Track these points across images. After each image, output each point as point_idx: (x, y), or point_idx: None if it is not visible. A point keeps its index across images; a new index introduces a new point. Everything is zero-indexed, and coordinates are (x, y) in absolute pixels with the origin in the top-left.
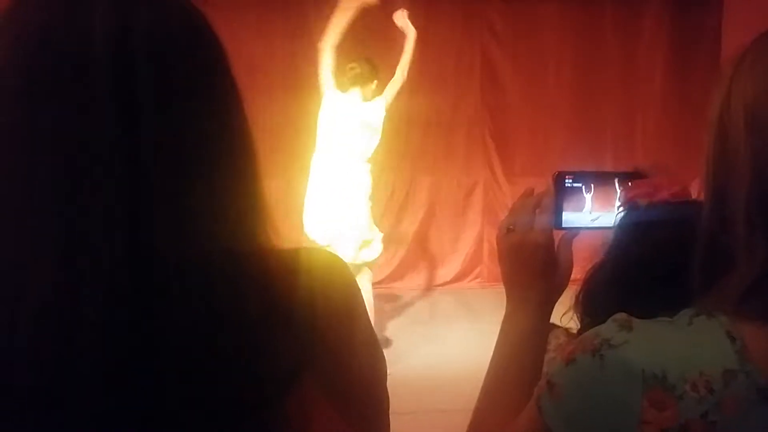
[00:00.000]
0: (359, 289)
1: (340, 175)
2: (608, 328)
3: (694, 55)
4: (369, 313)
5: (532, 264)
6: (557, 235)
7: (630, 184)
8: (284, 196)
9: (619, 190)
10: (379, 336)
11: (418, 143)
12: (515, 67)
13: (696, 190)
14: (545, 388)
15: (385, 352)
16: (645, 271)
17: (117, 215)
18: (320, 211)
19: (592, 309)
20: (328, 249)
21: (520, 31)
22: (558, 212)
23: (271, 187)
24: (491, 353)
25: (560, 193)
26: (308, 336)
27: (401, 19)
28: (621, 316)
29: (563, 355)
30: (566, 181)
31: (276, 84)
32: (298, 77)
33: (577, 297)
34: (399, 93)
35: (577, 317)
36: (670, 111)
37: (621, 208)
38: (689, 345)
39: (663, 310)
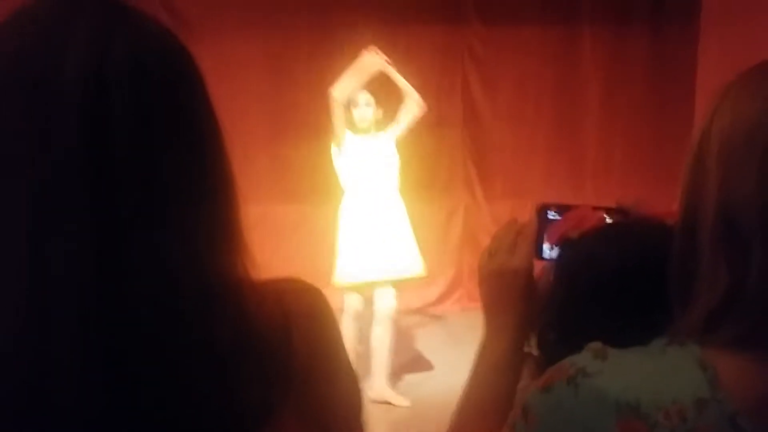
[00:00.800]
0: (336, 320)
1: (377, 212)
2: (583, 357)
3: (670, 84)
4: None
5: (511, 290)
6: (538, 264)
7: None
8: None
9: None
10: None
11: (399, 167)
12: (495, 91)
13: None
14: (520, 414)
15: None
16: (599, 300)
17: (85, 248)
18: (357, 252)
19: (547, 347)
20: (310, 282)
21: (500, 57)
22: (539, 243)
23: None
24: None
25: (542, 224)
26: (284, 368)
27: (373, 57)
28: (596, 345)
29: (539, 382)
30: (549, 212)
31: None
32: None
33: (537, 343)
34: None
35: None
36: (646, 137)
37: (554, 246)
38: (662, 374)
39: (621, 338)
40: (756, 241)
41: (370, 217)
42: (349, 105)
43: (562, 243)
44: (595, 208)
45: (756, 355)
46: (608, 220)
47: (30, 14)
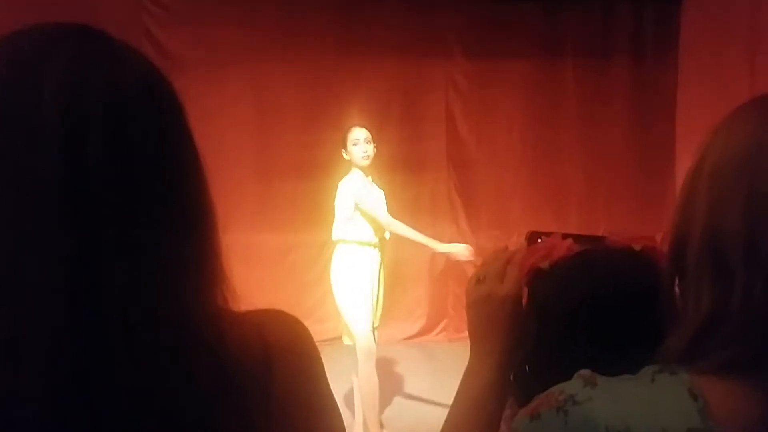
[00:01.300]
0: (318, 353)
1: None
2: (573, 385)
3: (651, 114)
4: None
5: (498, 316)
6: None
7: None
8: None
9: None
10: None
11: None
12: (479, 124)
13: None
14: None
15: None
16: (572, 330)
17: (60, 280)
18: (368, 295)
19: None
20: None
21: (483, 89)
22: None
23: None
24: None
25: (522, 259)
26: (264, 402)
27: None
28: (585, 372)
29: (527, 410)
30: (539, 240)
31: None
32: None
33: (513, 377)
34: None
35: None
36: (629, 168)
37: (525, 278)
38: (652, 403)
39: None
40: (739, 267)
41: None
42: (347, 143)
43: (533, 274)
44: (565, 236)
45: (743, 380)
46: (577, 248)
47: (9, 46)
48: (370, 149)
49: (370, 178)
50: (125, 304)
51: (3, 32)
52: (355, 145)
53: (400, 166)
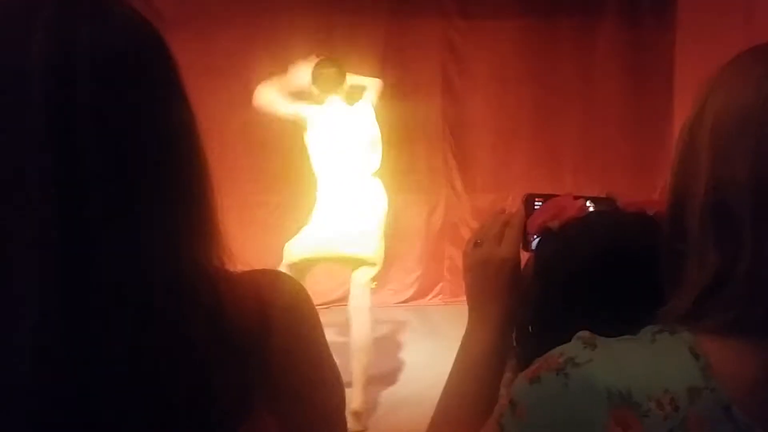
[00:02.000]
0: (316, 313)
1: (348, 196)
2: (573, 347)
3: (648, 74)
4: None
5: (496, 280)
6: (525, 256)
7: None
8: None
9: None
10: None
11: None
12: (475, 84)
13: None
14: (507, 407)
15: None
16: (576, 292)
17: (48, 244)
18: (321, 226)
19: (527, 340)
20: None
21: (479, 50)
22: (526, 233)
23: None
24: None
25: (529, 215)
26: (262, 363)
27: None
28: (585, 334)
29: (526, 373)
30: (536, 203)
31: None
32: None
33: (516, 337)
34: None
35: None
36: (626, 130)
37: (534, 237)
38: (653, 363)
39: (611, 328)
40: (747, 221)
41: (339, 202)
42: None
43: (542, 233)
44: (577, 197)
45: (748, 340)
46: (591, 209)
47: None
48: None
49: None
50: (117, 267)
51: None
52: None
53: (394, 129)
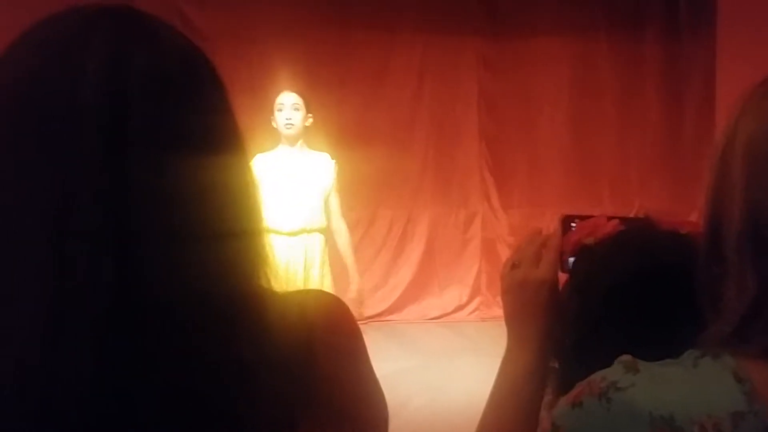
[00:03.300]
0: (360, 331)
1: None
2: (614, 371)
3: (688, 88)
4: None
5: (534, 301)
6: (563, 277)
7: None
8: None
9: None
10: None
11: (415, 177)
12: (512, 100)
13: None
14: (550, 431)
15: (382, 385)
16: (613, 308)
17: (103, 258)
18: None
19: (567, 360)
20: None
21: (516, 65)
22: (564, 254)
23: None
24: (490, 387)
25: (566, 236)
26: (307, 383)
27: None
28: (626, 358)
29: (568, 397)
30: (573, 224)
31: None
32: None
33: (552, 353)
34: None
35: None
36: (665, 144)
37: (569, 255)
38: (696, 387)
39: (652, 350)
40: None
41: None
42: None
43: (578, 251)
44: (611, 218)
45: None
46: (622, 227)
47: (51, 25)
48: (297, 117)
49: (302, 148)
50: (166, 287)
51: (38, 14)
52: (279, 111)
53: (432, 144)
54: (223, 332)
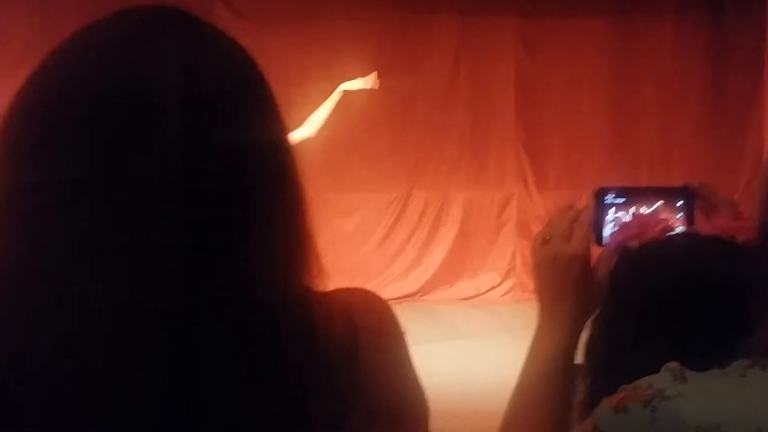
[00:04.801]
0: (402, 332)
1: None
2: (661, 379)
3: (732, 71)
4: None
5: (566, 276)
6: (597, 251)
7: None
8: None
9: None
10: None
11: (451, 158)
12: (550, 81)
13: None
14: None
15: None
16: (651, 317)
17: (171, 261)
18: None
19: (604, 364)
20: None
21: (554, 46)
22: (598, 228)
23: None
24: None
25: (600, 209)
26: (351, 384)
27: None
28: (674, 365)
29: (611, 400)
30: (608, 196)
31: None
32: None
33: (585, 353)
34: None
35: (586, 374)
36: (706, 127)
37: (611, 255)
38: (745, 398)
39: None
40: None
41: None
42: None
43: (620, 252)
44: (659, 189)
45: None
46: (674, 231)
47: (112, 31)
48: None
49: None
50: (217, 289)
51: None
52: None
53: (468, 125)
54: (273, 336)
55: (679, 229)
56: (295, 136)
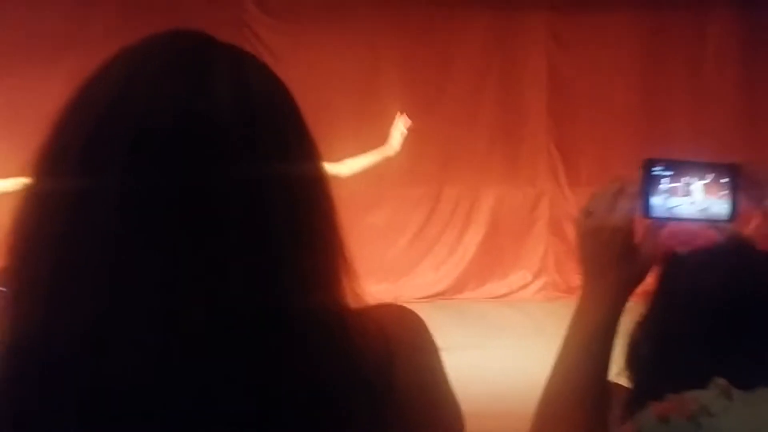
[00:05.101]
0: (436, 346)
1: None
2: (708, 395)
3: (765, 63)
4: None
5: (609, 249)
6: (644, 222)
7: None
8: None
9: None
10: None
11: (482, 154)
12: (582, 76)
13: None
14: None
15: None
16: (698, 328)
17: (184, 275)
18: None
19: (647, 367)
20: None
21: (586, 40)
22: (645, 200)
23: None
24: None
25: (648, 181)
26: (386, 399)
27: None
28: (722, 382)
29: (656, 408)
30: (656, 168)
31: None
32: None
33: (627, 355)
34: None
35: (628, 376)
36: (740, 122)
37: (660, 261)
38: None
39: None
40: None
41: None
42: None
43: (669, 258)
44: (707, 164)
45: None
46: (721, 239)
47: (151, 57)
48: None
49: None
50: (253, 306)
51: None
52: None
53: (499, 121)
54: (309, 352)
55: (723, 206)
56: (330, 169)
